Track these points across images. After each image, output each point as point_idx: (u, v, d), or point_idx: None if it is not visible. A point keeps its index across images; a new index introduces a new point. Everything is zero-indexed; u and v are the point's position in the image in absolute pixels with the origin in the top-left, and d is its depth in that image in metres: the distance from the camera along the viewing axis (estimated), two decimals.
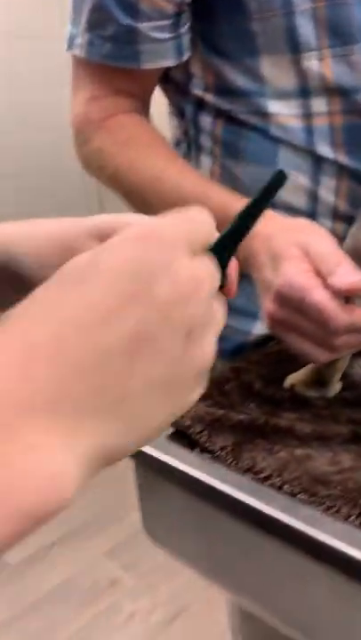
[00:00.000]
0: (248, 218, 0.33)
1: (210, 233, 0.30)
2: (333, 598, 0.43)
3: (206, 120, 0.70)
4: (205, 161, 0.73)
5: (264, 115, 0.66)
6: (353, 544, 0.40)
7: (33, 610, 1.52)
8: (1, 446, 0.19)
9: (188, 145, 0.75)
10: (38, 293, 0.24)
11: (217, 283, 0.29)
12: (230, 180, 0.71)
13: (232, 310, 0.75)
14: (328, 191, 0.67)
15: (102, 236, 0.34)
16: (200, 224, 0.29)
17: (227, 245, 0.32)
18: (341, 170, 0.66)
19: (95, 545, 1.74)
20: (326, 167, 0.66)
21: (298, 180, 0.68)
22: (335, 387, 0.61)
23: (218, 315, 0.29)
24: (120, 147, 0.66)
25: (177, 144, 0.78)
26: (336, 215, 0.68)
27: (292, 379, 0.62)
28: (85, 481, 0.22)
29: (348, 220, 0.68)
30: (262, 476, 0.48)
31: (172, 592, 1.53)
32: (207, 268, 0.28)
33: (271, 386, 0.62)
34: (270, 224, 0.54)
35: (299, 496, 0.46)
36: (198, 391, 0.28)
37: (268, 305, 0.51)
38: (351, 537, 0.41)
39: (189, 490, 0.51)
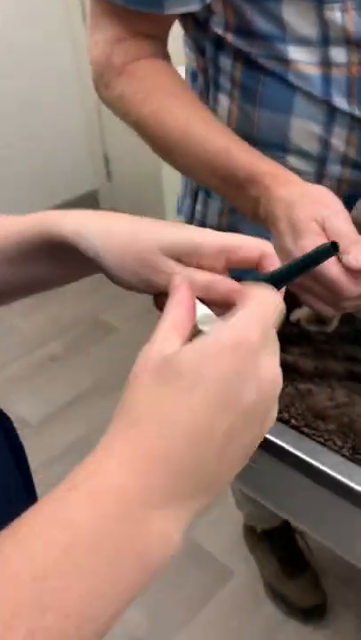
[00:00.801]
0: (295, 269, 0.39)
1: (280, 315, 0.34)
2: (324, 505, 0.57)
3: (226, 62, 0.71)
4: (223, 100, 0.75)
5: (283, 60, 0.67)
6: (343, 473, 0.54)
7: (53, 463, 1.76)
8: (135, 534, 0.27)
9: (207, 82, 0.76)
10: (141, 396, 0.30)
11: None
12: (247, 124, 0.74)
13: None
14: (340, 140, 0.71)
15: (175, 255, 0.38)
16: (274, 312, 0.33)
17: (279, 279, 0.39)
18: (354, 121, 0.69)
19: (107, 405, 1.95)
20: (340, 118, 0.69)
21: (311, 128, 0.71)
22: (334, 323, 0.71)
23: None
24: (143, 95, 0.68)
25: (193, 77, 0.79)
26: (346, 162, 0.73)
27: (298, 314, 0.72)
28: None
29: (357, 166, 0.73)
30: None
31: None
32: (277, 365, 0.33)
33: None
34: (292, 190, 0.60)
35: (303, 429, 0.58)
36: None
37: None
38: (342, 466, 0.54)
39: None
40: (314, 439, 0.57)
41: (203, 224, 0.89)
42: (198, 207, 0.88)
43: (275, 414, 0.32)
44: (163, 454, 0.28)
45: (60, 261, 0.44)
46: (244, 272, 0.41)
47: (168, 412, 0.29)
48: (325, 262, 0.54)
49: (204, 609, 1.34)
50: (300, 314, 0.72)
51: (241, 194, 0.65)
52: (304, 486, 0.56)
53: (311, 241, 0.56)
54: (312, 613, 1.29)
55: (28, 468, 0.52)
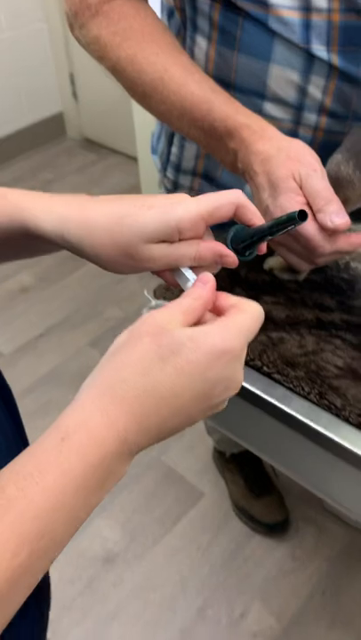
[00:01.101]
0: (264, 231, 0.44)
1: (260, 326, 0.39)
2: (292, 445, 0.62)
3: (204, 1, 0.69)
4: (202, 42, 0.73)
5: (263, 4, 0.66)
6: (310, 417, 0.58)
7: (29, 392, 1.80)
8: (107, 477, 0.34)
9: (183, 21, 0.74)
10: (136, 358, 0.35)
11: None
12: (225, 69, 0.73)
13: (220, 187, 0.84)
14: (317, 88, 0.71)
15: (158, 240, 0.41)
16: (257, 326, 0.38)
17: (245, 243, 0.45)
18: (332, 70, 0.69)
19: (78, 336, 1.98)
20: (318, 66, 0.69)
21: (289, 76, 0.71)
22: (305, 271, 0.74)
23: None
24: (120, 38, 0.66)
25: (170, 14, 0.76)
26: (322, 110, 0.73)
27: (270, 263, 0.75)
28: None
29: (333, 115, 0.73)
30: (247, 359, 0.64)
31: None
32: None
33: (254, 272, 0.74)
34: (268, 145, 0.61)
35: (274, 376, 0.62)
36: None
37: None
38: (309, 411, 0.59)
39: None
40: (284, 385, 0.61)
41: (178, 167, 0.88)
42: (174, 150, 0.88)
43: (224, 405, 0.39)
44: (140, 417, 0.34)
45: (32, 247, 0.46)
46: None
47: (153, 383, 0.34)
48: None
49: (176, 526, 1.44)
50: (273, 262, 0.74)
51: (220, 145, 0.65)
52: (275, 428, 0.61)
53: (289, 199, 0.57)
54: (276, 529, 1.40)
55: (12, 399, 0.56)
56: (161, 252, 0.42)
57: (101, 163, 2.88)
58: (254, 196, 0.63)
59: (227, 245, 0.45)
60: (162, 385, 0.34)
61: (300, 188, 0.58)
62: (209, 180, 0.86)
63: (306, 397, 0.60)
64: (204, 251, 0.42)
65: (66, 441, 0.33)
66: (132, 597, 1.31)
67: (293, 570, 1.36)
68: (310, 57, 0.68)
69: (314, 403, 0.59)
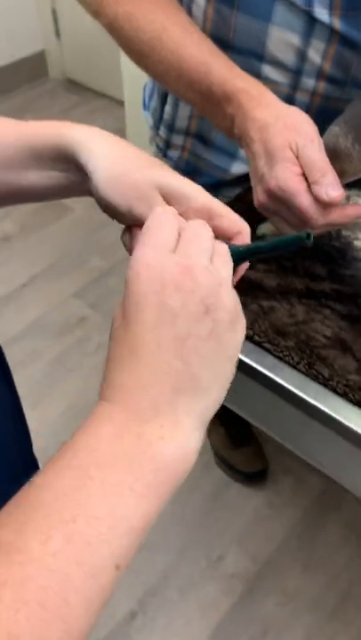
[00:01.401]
0: (263, 250, 0.42)
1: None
2: (281, 412, 0.64)
3: None
4: (200, 0, 0.71)
5: None
6: (299, 386, 0.60)
7: (15, 341, 1.81)
8: (138, 443, 0.32)
9: None
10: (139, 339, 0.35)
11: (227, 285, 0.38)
12: (224, 28, 0.71)
13: (213, 147, 0.83)
14: (316, 53, 0.70)
15: (166, 196, 0.41)
16: (161, 228, 0.38)
17: (243, 256, 0.42)
18: (333, 34, 0.68)
19: (62, 287, 1.97)
20: (319, 30, 0.67)
21: (289, 39, 0.69)
22: None
23: (236, 308, 0.38)
24: None
25: None
26: (321, 75, 0.72)
27: (263, 229, 0.75)
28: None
29: (332, 80, 0.73)
30: None
31: None
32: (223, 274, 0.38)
33: None
34: (266, 112, 0.60)
35: (265, 345, 0.64)
36: (235, 360, 0.38)
37: (259, 195, 0.61)
38: (299, 380, 0.61)
39: None
40: (274, 354, 0.63)
41: (171, 126, 0.87)
42: (167, 109, 0.86)
43: (226, 303, 0.36)
44: (135, 385, 0.34)
45: (61, 172, 0.45)
46: None
47: (130, 352, 0.35)
48: (297, 191, 0.57)
49: None
50: (266, 229, 0.75)
51: (216, 110, 0.64)
52: (264, 397, 0.63)
53: (285, 169, 0.57)
54: (255, 478, 1.46)
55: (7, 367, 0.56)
56: (162, 204, 0.41)
57: (85, 106, 2.79)
58: (250, 164, 0.62)
59: None
60: (129, 336, 0.35)
61: (297, 157, 0.58)
62: (202, 141, 0.85)
63: (295, 367, 0.62)
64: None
65: (75, 435, 0.33)
66: None
67: (270, 516, 1.43)
68: (312, 20, 0.67)
69: (303, 372, 0.61)
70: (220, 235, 0.42)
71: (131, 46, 0.67)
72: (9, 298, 1.95)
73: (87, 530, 0.28)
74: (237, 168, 0.84)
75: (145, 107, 0.96)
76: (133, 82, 1.90)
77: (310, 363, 0.62)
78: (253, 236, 0.76)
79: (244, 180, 0.79)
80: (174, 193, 0.41)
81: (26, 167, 0.45)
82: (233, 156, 0.83)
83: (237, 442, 1.48)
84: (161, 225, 0.38)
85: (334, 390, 0.60)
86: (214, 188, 0.87)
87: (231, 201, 0.79)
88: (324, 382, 0.60)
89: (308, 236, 0.40)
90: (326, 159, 0.57)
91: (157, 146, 0.93)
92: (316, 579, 1.32)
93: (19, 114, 2.73)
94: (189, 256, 0.36)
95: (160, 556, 1.35)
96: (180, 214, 0.41)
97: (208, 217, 0.41)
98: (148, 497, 0.31)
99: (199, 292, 0.35)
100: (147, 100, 0.93)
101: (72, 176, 0.45)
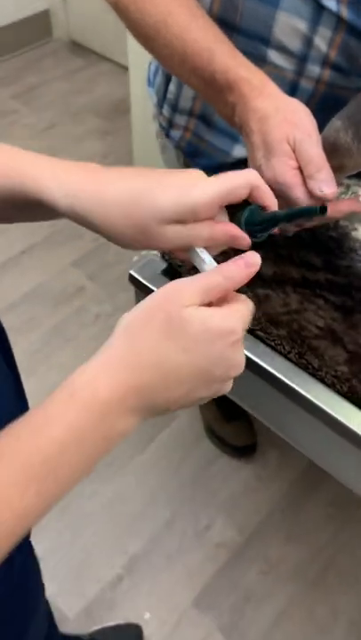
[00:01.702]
0: (278, 218, 0.46)
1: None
2: (271, 400, 0.66)
3: None
4: None
5: None
6: (288, 376, 0.62)
7: (12, 308, 1.82)
8: (108, 433, 0.37)
9: None
10: (148, 333, 0.38)
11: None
12: (231, 11, 0.71)
13: (215, 129, 0.83)
14: (323, 40, 0.69)
15: (173, 221, 0.42)
16: (250, 318, 0.42)
17: (260, 226, 0.46)
18: (340, 23, 0.67)
19: (61, 256, 1.98)
20: (326, 17, 0.67)
21: (296, 25, 0.69)
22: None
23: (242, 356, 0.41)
24: None
25: None
26: (326, 63, 0.71)
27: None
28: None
29: (337, 69, 0.72)
30: None
31: (128, 299, 1.84)
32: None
33: None
34: (267, 102, 0.60)
35: (258, 333, 0.66)
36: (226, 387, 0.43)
37: None
38: (289, 370, 0.63)
39: None
40: (266, 343, 0.65)
41: (175, 106, 0.87)
42: (172, 88, 0.86)
43: (227, 387, 0.42)
44: (145, 387, 0.38)
45: (41, 215, 0.46)
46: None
47: (163, 359, 0.38)
48: (293, 185, 0.58)
49: (151, 444, 1.53)
50: None
51: (219, 97, 0.64)
52: (255, 384, 0.65)
53: (282, 162, 0.58)
54: (244, 451, 1.50)
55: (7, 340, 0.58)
56: (175, 232, 0.42)
57: (89, 69, 2.74)
58: (249, 154, 0.63)
59: (240, 226, 0.46)
60: (169, 362, 0.38)
61: (294, 151, 0.58)
62: (205, 122, 0.85)
63: (286, 356, 0.64)
64: (217, 232, 0.43)
65: (73, 397, 0.37)
66: (106, 507, 1.41)
67: (257, 488, 1.47)
68: (319, 7, 0.67)
69: (293, 362, 0.63)
70: (238, 202, 0.44)
71: (137, 29, 0.67)
72: (7, 265, 1.95)
73: (51, 488, 0.36)
74: (239, 151, 0.84)
75: (149, 83, 0.95)
76: (139, 48, 1.86)
77: (301, 352, 0.63)
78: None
79: (245, 163, 0.79)
80: (176, 216, 0.42)
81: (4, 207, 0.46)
82: (235, 139, 0.83)
83: (228, 416, 1.51)
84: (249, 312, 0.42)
85: (323, 381, 0.62)
86: (215, 170, 0.87)
87: None
88: (314, 372, 0.62)
89: (322, 210, 0.45)
90: (323, 155, 0.58)
91: (160, 124, 0.93)
92: (298, 550, 1.37)
93: (21, 75, 2.69)
94: (239, 332, 0.40)
95: (148, 523, 1.39)
96: (195, 221, 0.43)
97: (220, 202, 0.43)
98: (86, 472, 0.38)
99: (235, 368, 0.40)
100: (151, 76, 0.93)
101: (36, 214, 0.47)
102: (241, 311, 0.40)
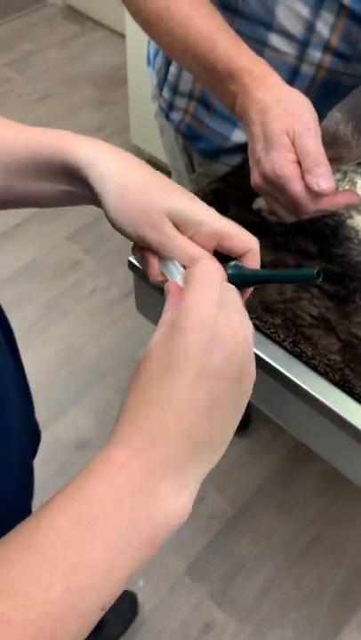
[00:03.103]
0: (266, 278, 0.45)
1: (226, 277, 0.41)
2: (267, 388, 0.68)
3: None
4: None
5: None
6: (283, 364, 0.64)
7: (8, 282, 1.83)
8: (146, 502, 0.32)
9: None
10: (133, 392, 0.35)
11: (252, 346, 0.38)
12: None
13: (215, 113, 0.83)
14: (325, 25, 0.69)
15: (177, 221, 0.42)
16: (214, 283, 0.38)
17: (243, 280, 0.44)
18: (342, 8, 0.67)
19: (57, 229, 1.97)
20: (328, 3, 0.66)
21: (299, 9, 0.68)
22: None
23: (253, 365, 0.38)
24: None
25: None
26: (328, 49, 0.71)
27: (259, 203, 0.77)
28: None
29: (338, 54, 0.72)
30: None
31: (125, 274, 1.85)
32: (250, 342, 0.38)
33: (243, 210, 0.76)
34: (268, 94, 0.60)
35: (253, 321, 0.67)
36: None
37: (255, 177, 0.62)
38: (283, 358, 0.64)
39: None
40: (262, 331, 0.66)
41: (175, 88, 0.86)
42: (172, 69, 0.85)
43: (252, 369, 0.37)
44: (153, 430, 0.34)
45: (68, 186, 0.45)
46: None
47: (149, 396, 0.35)
48: (291, 178, 0.59)
49: None
50: (261, 203, 0.76)
51: (220, 86, 0.65)
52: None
53: (281, 156, 0.59)
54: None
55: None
56: (170, 231, 0.42)
57: (85, 36, 2.69)
58: (249, 144, 0.63)
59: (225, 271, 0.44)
60: (157, 391, 0.35)
61: (293, 144, 0.59)
62: (205, 106, 0.85)
63: (280, 344, 0.65)
64: (207, 259, 0.42)
65: (90, 471, 0.33)
66: None
67: (249, 463, 1.50)
68: None
69: (287, 350, 0.65)
70: (231, 253, 0.43)
71: (139, 14, 0.66)
72: (2, 240, 1.95)
73: (84, 579, 0.30)
74: (238, 136, 0.84)
75: (149, 62, 0.94)
76: None
77: (295, 341, 0.65)
78: (250, 209, 0.77)
79: (244, 148, 0.79)
80: (184, 219, 0.42)
81: (32, 177, 0.45)
82: (234, 123, 0.83)
83: None
84: (213, 281, 0.38)
85: (316, 369, 0.63)
86: (214, 154, 0.87)
87: (229, 172, 0.80)
88: (307, 361, 0.64)
89: (318, 274, 0.41)
90: (322, 149, 0.58)
91: (160, 106, 0.92)
92: (288, 523, 1.41)
93: (14, 42, 2.63)
94: (235, 322, 0.37)
95: None
96: (190, 237, 0.43)
97: (219, 239, 0.42)
98: (142, 552, 0.32)
99: (240, 358, 0.36)
100: (151, 56, 0.92)
101: (76, 190, 0.45)
102: (196, 292, 0.37)
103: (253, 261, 0.44)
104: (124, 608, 1.28)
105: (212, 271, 0.39)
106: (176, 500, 0.33)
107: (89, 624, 0.30)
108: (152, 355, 0.36)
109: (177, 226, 0.42)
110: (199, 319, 0.36)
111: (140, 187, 0.42)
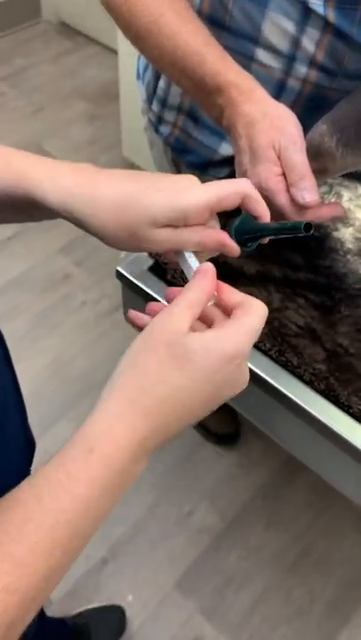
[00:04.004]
0: (267, 231, 0.48)
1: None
2: (253, 398, 0.68)
3: None
4: None
5: None
6: (268, 373, 0.64)
7: None
8: (127, 480, 0.37)
9: None
10: (153, 367, 0.37)
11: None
12: (220, 9, 0.71)
13: (203, 126, 0.84)
14: (310, 41, 0.70)
15: (164, 224, 0.42)
16: (262, 325, 0.40)
17: (249, 236, 0.48)
18: (326, 25, 0.68)
19: (49, 242, 1.97)
20: (313, 19, 0.68)
21: (284, 25, 0.70)
22: None
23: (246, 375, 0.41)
24: None
25: None
26: (313, 64, 0.72)
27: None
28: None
29: (323, 69, 0.73)
30: None
31: (115, 287, 1.85)
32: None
33: None
34: (255, 108, 0.61)
35: None
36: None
37: None
38: (269, 367, 0.65)
39: None
40: None
41: (164, 102, 0.88)
42: (161, 84, 0.86)
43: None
44: (159, 422, 0.37)
45: (36, 214, 0.46)
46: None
47: (171, 390, 0.37)
48: (277, 191, 0.60)
49: None
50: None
51: (208, 99, 0.65)
52: None
53: (267, 169, 0.60)
54: (227, 439, 1.53)
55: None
56: (165, 235, 0.43)
57: (78, 52, 2.71)
58: (236, 157, 0.64)
59: (230, 234, 0.46)
60: (179, 391, 0.37)
61: (279, 157, 0.60)
62: (193, 119, 0.86)
63: (266, 353, 0.66)
64: (207, 238, 0.44)
65: (93, 453, 0.35)
66: None
67: (239, 476, 1.50)
68: (307, 9, 0.68)
69: (273, 359, 0.65)
70: (229, 209, 0.45)
71: (128, 28, 0.67)
72: None
73: (76, 545, 0.36)
74: (226, 149, 0.85)
75: (138, 76, 0.95)
76: None
77: (281, 350, 0.65)
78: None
79: (231, 161, 0.80)
80: (169, 217, 0.42)
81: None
82: (222, 136, 0.84)
83: None
84: (260, 322, 0.40)
85: (301, 378, 0.64)
86: (203, 167, 0.88)
87: None
88: (293, 370, 0.64)
89: (308, 227, 0.45)
90: (306, 162, 0.59)
91: (149, 119, 0.93)
92: (278, 536, 1.41)
93: (8, 56, 2.65)
94: (245, 352, 0.39)
95: (133, 508, 1.42)
96: (185, 225, 0.44)
97: (212, 208, 0.43)
98: (109, 513, 0.37)
99: (241, 385, 0.41)
100: (141, 70, 0.93)
101: (34, 216, 0.47)
102: (247, 327, 0.39)
103: (253, 202, 0.45)
104: (113, 623, 1.27)
105: (265, 309, 0.41)
106: (141, 470, 0.38)
107: (67, 569, 0.36)
108: (189, 348, 0.37)
109: (166, 225, 0.43)
110: (241, 354, 0.38)
111: (115, 214, 0.43)
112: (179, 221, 0.43)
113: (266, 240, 0.51)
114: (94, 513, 0.36)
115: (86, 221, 0.43)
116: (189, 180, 0.44)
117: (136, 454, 0.37)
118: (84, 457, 0.35)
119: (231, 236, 0.46)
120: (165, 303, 0.43)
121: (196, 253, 0.46)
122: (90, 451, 0.35)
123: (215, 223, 0.46)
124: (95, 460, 0.35)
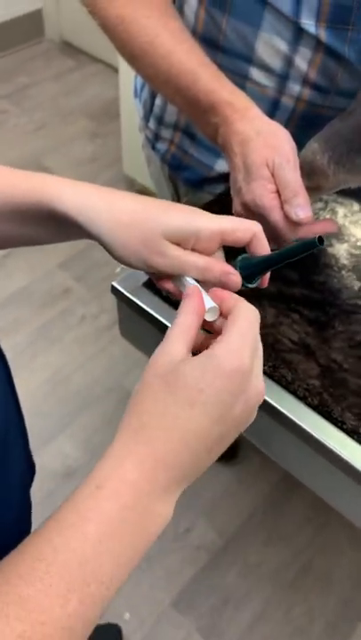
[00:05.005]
0: (274, 260, 0.47)
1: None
2: None
3: None
4: (192, 1, 0.72)
5: None
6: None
7: None
8: (145, 519, 0.35)
9: None
10: (150, 403, 0.36)
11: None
12: (214, 29, 0.73)
13: (199, 143, 0.85)
14: (303, 60, 0.71)
15: (175, 239, 0.43)
16: (257, 329, 0.40)
17: (253, 270, 0.47)
18: (318, 44, 0.69)
19: (48, 257, 1.99)
20: (306, 39, 0.69)
21: (277, 45, 0.71)
22: None
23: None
24: None
25: None
26: (306, 82, 0.74)
27: None
28: None
29: (316, 88, 0.74)
30: None
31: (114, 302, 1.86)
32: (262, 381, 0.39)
33: None
34: (249, 126, 0.62)
35: None
36: None
37: (236, 206, 0.64)
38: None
39: (156, 326, 0.71)
40: None
41: (160, 119, 0.89)
42: (158, 102, 0.87)
43: (254, 416, 0.40)
44: (165, 456, 0.36)
45: (58, 229, 0.47)
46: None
47: (172, 419, 0.36)
48: (271, 208, 0.60)
49: None
50: None
51: (202, 118, 0.66)
52: None
53: (261, 186, 0.60)
54: (226, 454, 1.51)
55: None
56: (174, 252, 0.43)
57: (80, 70, 2.75)
58: (231, 174, 0.65)
59: (235, 267, 0.46)
60: (180, 419, 0.36)
61: (273, 175, 0.60)
62: (189, 136, 0.87)
63: None
64: (212, 266, 0.44)
65: (100, 489, 0.35)
66: None
67: (238, 492, 1.49)
68: (299, 29, 0.69)
69: (267, 374, 0.65)
70: (237, 245, 0.45)
71: (124, 48, 0.68)
72: None
73: (95, 592, 0.33)
74: (221, 166, 0.86)
75: (136, 94, 0.97)
76: None
77: (275, 365, 0.65)
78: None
79: (227, 177, 0.81)
80: (181, 234, 0.43)
81: (8, 220, 0.46)
82: (218, 154, 0.85)
83: None
84: (253, 329, 0.39)
85: (295, 393, 0.64)
86: (198, 183, 0.89)
87: (213, 201, 0.82)
88: (287, 385, 0.64)
89: (321, 240, 0.44)
90: (300, 180, 0.60)
91: (146, 137, 0.94)
92: (277, 553, 1.39)
93: (11, 74, 2.69)
94: (260, 377, 0.39)
95: None
96: (193, 247, 0.44)
97: (221, 237, 0.44)
98: (136, 560, 0.36)
99: (254, 411, 0.39)
100: (138, 89, 0.94)
101: (54, 231, 0.47)
102: (239, 339, 0.37)
103: (260, 245, 0.45)
104: None
105: (255, 312, 0.40)
106: (166, 514, 0.36)
107: (93, 626, 0.34)
108: (180, 373, 0.37)
109: (177, 242, 0.43)
110: (241, 368, 0.37)
111: (131, 221, 0.43)
112: (190, 240, 0.43)
113: (265, 282, 0.50)
114: (110, 555, 0.34)
115: (99, 225, 0.43)
116: (203, 210, 0.45)
117: (148, 488, 0.35)
118: (93, 494, 0.34)
119: (236, 269, 0.46)
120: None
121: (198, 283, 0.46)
122: (98, 487, 0.35)
123: (221, 255, 0.46)
124: (103, 495, 0.34)
